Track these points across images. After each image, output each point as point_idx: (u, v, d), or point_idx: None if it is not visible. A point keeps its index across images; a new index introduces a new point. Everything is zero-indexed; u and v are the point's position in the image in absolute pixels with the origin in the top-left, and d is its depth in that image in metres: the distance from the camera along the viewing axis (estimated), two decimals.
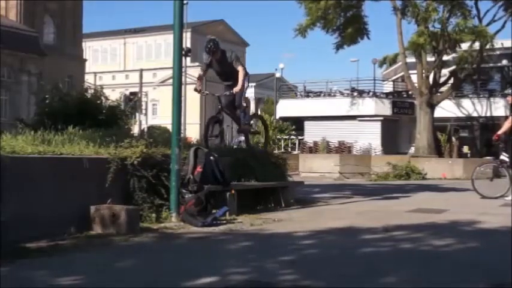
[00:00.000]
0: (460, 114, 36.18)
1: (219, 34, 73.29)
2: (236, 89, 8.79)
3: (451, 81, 30.70)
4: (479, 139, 37.10)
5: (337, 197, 10.91)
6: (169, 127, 7.75)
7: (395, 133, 36.88)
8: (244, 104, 9.30)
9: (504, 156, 11.03)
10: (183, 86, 9.46)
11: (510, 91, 10.78)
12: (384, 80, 42.81)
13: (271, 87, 57.45)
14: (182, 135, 9.05)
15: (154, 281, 4.24)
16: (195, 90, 9.12)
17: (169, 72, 19.52)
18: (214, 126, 8.92)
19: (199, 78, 9.44)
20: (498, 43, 28.90)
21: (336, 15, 27.79)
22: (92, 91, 11.44)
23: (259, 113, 39.79)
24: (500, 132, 11.03)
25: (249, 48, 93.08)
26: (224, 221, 7.12)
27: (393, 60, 37.99)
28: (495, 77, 39.71)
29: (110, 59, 79.94)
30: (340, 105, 36.56)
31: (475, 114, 36.23)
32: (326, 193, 11.75)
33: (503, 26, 28.52)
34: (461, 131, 36.97)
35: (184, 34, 7.91)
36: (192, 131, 37.41)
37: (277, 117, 41.10)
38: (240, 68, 8.89)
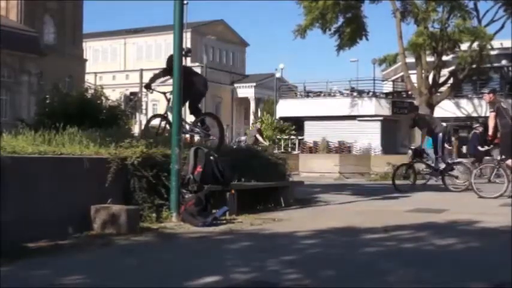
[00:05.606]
0: (460, 114, 36.15)
1: (219, 34, 73.48)
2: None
3: (451, 81, 30.70)
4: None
5: (337, 197, 10.92)
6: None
7: (395, 133, 36.86)
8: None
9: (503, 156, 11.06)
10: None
11: (487, 90, 10.96)
12: (383, 80, 42.77)
13: (271, 87, 57.39)
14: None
15: (155, 281, 4.24)
16: None
17: None
18: None
19: None
20: (497, 43, 28.88)
21: (334, 15, 27.74)
22: (92, 91, 11.45)
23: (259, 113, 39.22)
24: (490, 132, 11.08)
25: (249, 48, 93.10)
26: (224, 221, 7.12)
27: (393, 60, 37.95)
28: (494, 77, 39.69)
29: (110, 59, 79.88)
30: (340, 105, 36.55)
31: (474, 115, 36.20)
32: (326, 193, 11.75)
33: (502, 26, 28.56)
34: (461, 131, 36.95)
35: (184, 34, 7.92)
36: None
37: (277, 117, 41.10)
38: None
